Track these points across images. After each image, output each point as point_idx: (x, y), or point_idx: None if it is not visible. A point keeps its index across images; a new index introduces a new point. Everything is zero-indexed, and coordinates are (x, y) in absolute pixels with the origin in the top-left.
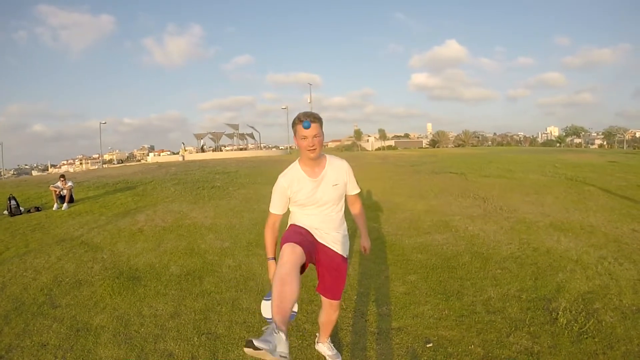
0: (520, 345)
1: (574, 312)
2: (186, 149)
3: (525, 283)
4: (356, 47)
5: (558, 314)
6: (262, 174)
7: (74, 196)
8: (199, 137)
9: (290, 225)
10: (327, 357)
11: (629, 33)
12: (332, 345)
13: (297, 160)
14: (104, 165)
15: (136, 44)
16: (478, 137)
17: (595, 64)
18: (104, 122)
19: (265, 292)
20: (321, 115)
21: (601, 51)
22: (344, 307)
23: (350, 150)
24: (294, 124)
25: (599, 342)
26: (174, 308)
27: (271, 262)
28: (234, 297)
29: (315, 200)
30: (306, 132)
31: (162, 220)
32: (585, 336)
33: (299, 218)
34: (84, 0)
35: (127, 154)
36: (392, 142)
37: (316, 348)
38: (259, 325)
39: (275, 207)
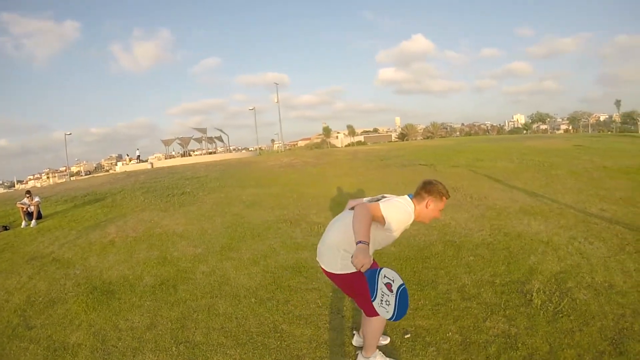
0: (497, 329)
1: (547, 292)
2: (131, 158)
3: (498, 268)
4: (323, 44)
5: (532, 295)
6: (232, 177)
7: (41, 212)
8: (166, 143)
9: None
10: None
11: (589, 22)
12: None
13: (414, 206)
14: (71, 178)
15: (102, 51)
16: (446, 129)
17: (559, 52)
18: (69, 133)
19: (240, 296)
20: (290, 115)
21: (564, 40)
22: (320, 304)
23: (320, 147)
24: (439, 195)
25: (575, 319)
26: (150, 319)
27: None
28: (210, 303)
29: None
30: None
31: (133, 231)
32: (560, 315)
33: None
34: (47, 6)
35: (94, 165)
36: (361, 138)
37: None
38: (237, 330)
39: (389, 221)
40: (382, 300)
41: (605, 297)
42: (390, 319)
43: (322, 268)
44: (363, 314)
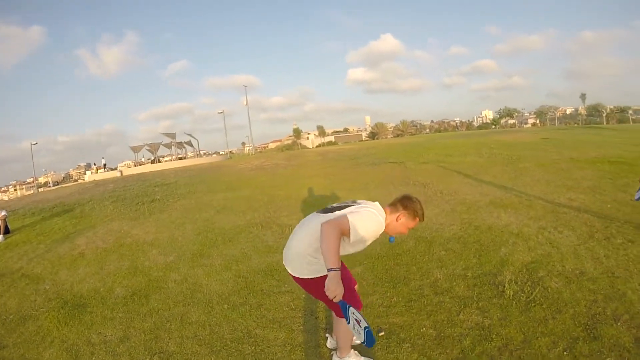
0: (471, 322)
1: (519, 282)
2: (98, 167)
3: (469, 261)
4: (293, 46)
5: (504, 286)
6: (202, 182)
7: (9, 226)
8: (135, 149)
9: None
10: None
11: (554, 19)
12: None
13: (385, 216)
14: (39, 189)
15: (69, 56)
16: (416, 126)
17: (525, 49)
18: (35, 142)
19: (213, 302)
20: (260, 117)
21: (530, 38)
22: (293, 307)
23: (291, 149)
24: (414, 213)
25: (547, 308)
26: (123, 331)
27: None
28: (182, 311)
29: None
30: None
31: (102, 242)
32: (533, 304)
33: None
34: (13, 11)
35: (63, 175)
36: (332, 138)
37: None
38: (210, 338)
39: (358, 236)
40: (354, 327)
41: (577, 284)
42: (362, 343)
43: (289, 273)
44: (334, 315)
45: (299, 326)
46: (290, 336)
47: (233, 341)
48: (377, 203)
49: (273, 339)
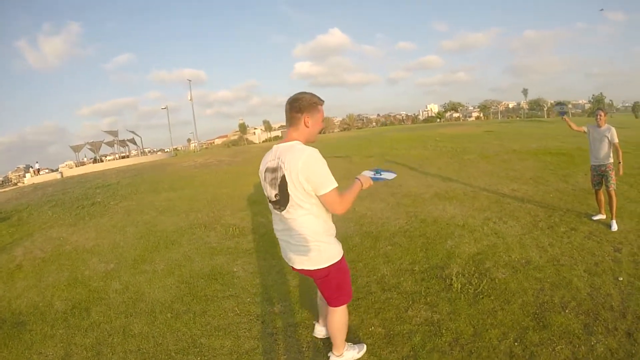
0: (419, 318)
1: (467, 275)
2: (34, 171)
3: (416, 255)
4: (240, 39)
5: (452, 279)
6: (144, 182)
7: None
8: (76, 149)
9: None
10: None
11: (499, 18)
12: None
13: (300, 138)
14: None
15: (7, 48)
16: (362, 120)
17: (470, 46)
18: None
19: (155, 312)
20: (206, 112)
21: (475, 35)
22: (238, 312)
23: (237, 144)
24: (311, 105)
25: (495, 299)
26: (64, 349)
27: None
28: (124, 323)
29: None
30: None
31: (41, 251)
32: (481, 296)
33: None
34: None
35: (1, 179)
36: (278, 133)
37: None
38: (154, 350)
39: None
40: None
41: (523, 273)
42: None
43: (301, 270)
44: (329, 310)
45: (245, 332)
46: (237, 343)
47: (178, 352)
48: (277, 147)
49: (219, 347)
